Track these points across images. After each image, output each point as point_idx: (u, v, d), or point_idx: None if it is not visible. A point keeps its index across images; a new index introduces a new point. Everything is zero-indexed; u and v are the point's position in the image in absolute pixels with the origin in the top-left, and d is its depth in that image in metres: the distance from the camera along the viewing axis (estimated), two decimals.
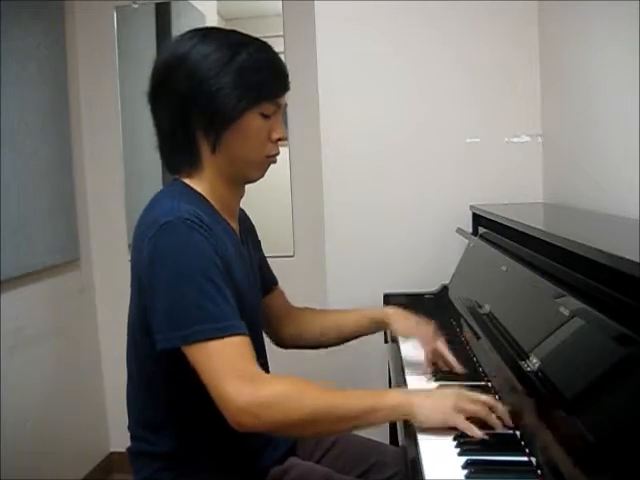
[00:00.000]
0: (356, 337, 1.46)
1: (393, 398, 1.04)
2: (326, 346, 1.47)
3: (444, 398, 1.03)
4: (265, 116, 1.15)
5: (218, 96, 1.10)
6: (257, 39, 1.17)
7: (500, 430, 1.00)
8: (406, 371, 1.36)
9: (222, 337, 1.00)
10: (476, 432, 0.98)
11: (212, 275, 1.03)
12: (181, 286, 1.01)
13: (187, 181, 1.17)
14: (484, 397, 1.05)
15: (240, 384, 0.98)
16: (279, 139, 1.18)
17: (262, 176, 1.21)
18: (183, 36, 1.16)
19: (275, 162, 1.21)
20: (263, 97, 1.14)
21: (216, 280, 1.03)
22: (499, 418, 1.02)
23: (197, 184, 1.17)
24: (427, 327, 1.38)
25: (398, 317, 1.42)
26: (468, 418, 1.01)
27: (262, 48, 1.16)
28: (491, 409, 1.03)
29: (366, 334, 1.47)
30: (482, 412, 1.02)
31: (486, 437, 0.98)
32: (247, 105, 1.12)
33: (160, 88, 1.15)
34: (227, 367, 0.99)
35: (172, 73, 1.12)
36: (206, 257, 1.04)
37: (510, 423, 1.02)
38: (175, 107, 1.13)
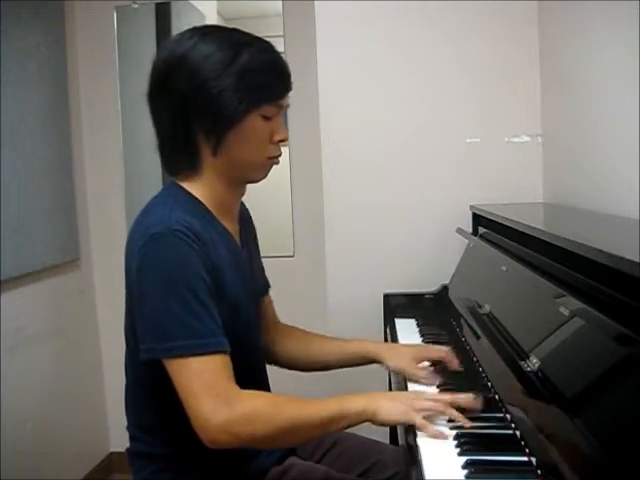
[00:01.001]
0: (337, 368, 1.41)
1: (359, 404, 1.05)
2: (304, 370, 1.41)
3: (404, 399, 1.07)
4: (266, 118, 1.13)
5: (220, 98, 1.08)
6: (259, 38, 1.16)
7: (461, 422, 1.02)
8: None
9: (202, 354, 1.01)
10: (431, 430, 1.01)
11: (198, 290, 1.03)
12: (166, 299, 1.01)
13: (184, 184, 1.16)
14: (442, 396, 1.08)
15: (215, 402, 0.99)
16: (281, 140, 1.17)
17: (264, 177, 1.20)
18: (183, 35, 1.14)
19: (278, 163, 1.20)
20: (264, 99, 1.12)
21: (201, 295, 1.03)
22: (462, 410, 1.04)
23: (195, 187, 1.16)
24: (423, 370, 1.30)
25: (390, 354, 1.33)
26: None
27: (264, 48, 1.14)
28: (451, 404, 1.05)
29: (347, 367, 1.40)
30: (439, 407, 1.05)
31: (444, 436, 1.00)
32: (248, 107, 1.10)
33: (160, 88, 1.13)
34: (204, 385, 1.00)
35: (172, 73, 1.11)
36: (193, 271, 1.04)
37: (479, 406, 1.05)
38: (175, 108, 1.11)
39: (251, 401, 1.02)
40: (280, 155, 1.19)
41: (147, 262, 1.04)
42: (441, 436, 1.00)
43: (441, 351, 1.34)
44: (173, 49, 1.12)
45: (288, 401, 1.05)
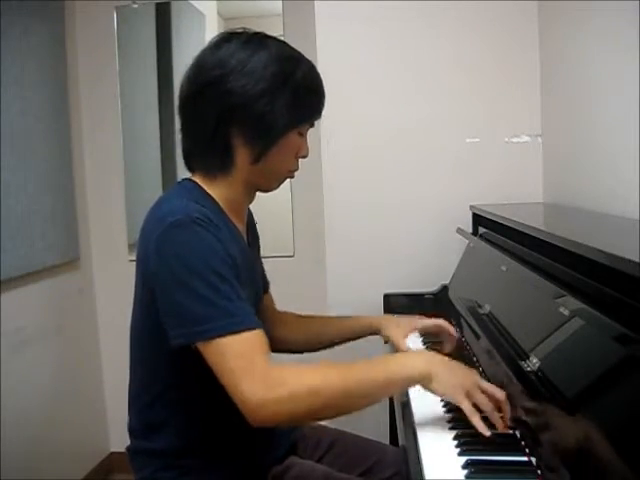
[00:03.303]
0: (343, 342, 1.46)
1: (414, 367, 1.05)
2: (310, 351, 1.45)
3: (461, 378, 1.05)
4: (301, 134, 1.18)
5: (273, 111, 1.10)
6: (303, 55, 1.18)
7: (499, 430, 1.01)
8: None
9: (236, 333, 1.00)
10: (477, 422, 0.99)
11: (222, 271, 1.03)
12: (191, 283, 1.00)
13: (200, 182, 1.16)
14: (497, 392, 1.05)
15: (256, 381, 0.98)
16: (303, 156, 1.21)
17: (277, 189, 1.24)
18: (237, 38, 1.13)
19: (292, 177, 1.23)
20: (308, 117, 1.17)
21: (227, 276, 1.03)
22: (502, 418, 1.03)
23: (211, 186, 1.16)
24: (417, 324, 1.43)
25: (390, 324, 1.42)
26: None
27: (311, 66, 1.17)
28: (499, 407, 1.04)
29: (354, 339, 1.46)
30: (487, 408, 1.03)
31: (488, 433, 0.98)
32: (295, 123, 1.14)
33: (209, 89, 1.11)
34: (242, 365, 0.98)
35: (227, 76, 1.09)
36: (216, 254, 1.03)
37: (506, 428, 1.02)
38: (222, 111, 1.10)
39: (292, 378, 1.00)
40: (297, 170, 1.23)
41: (168, 249, 1.03)
42: (484, 431, 0.99)
43: (437, 323, 1.43)
44: (230, 53, 1.11)
45: (334, 370, 1.02)
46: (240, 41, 1.12)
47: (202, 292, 1.00)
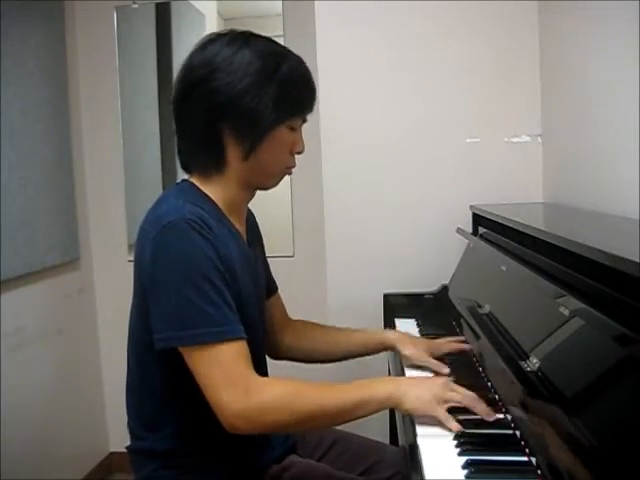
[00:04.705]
0: (354, 357, 1.46)
1: (384, 390, 1.06)
2: (323, 362, 1.45)
3: (430, 389, 1.06)
4: (292, 129, 1.17)
5: (259, 106, 1.10)
6: (291, 51, 1.18)
7: (486, 416, 1.03)
8: (406, 372, 1.36)
9: (220, 342, 1.01)
10: (453, 424, 1.01)
11: (212, 277, 1.04)
12: (182, 288, 1.02)
13: (198, 183, 1.17)
14: (467, 392, 1.07)
15: (235, 391, 1.00)
16: (298, 152, 1.21)
17: (276, 186, 1.24)
18: (222, 38, 1.14)
19: (291, 174, 1.23)
20: (297, 111, 1.17)
21: (216, 282, 1.04)
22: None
23: (209, 186, 1.16)
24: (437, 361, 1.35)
25: (405, 342, 1.39)
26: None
27: (299, 61, 1.17)
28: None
29: (365, 355, 1.45)
30: (466, 400, 1.05)
31: (461, 429, 1.00)
32: (282, 118, 1.14)
33: (196, 89, 1.12)
34: (223, 373, 1.01)
35: (213, 76, 1.10)
36: (207, 259, 1.04)
37: (489, 412, 1.04)
38: (211, 110, 1.11)
39: (271, 390, 1.03)
40: (295, 166, 1.22)
41: (161, 251, 1.04)
42: (458, 428, 1.01)
43: (451, 345, 1.42)
44: (215, 52, 1.12)
45: (310, 388, 1.05)
46: (225, 40, 1.14)
47: (191, 297, 1.01)
